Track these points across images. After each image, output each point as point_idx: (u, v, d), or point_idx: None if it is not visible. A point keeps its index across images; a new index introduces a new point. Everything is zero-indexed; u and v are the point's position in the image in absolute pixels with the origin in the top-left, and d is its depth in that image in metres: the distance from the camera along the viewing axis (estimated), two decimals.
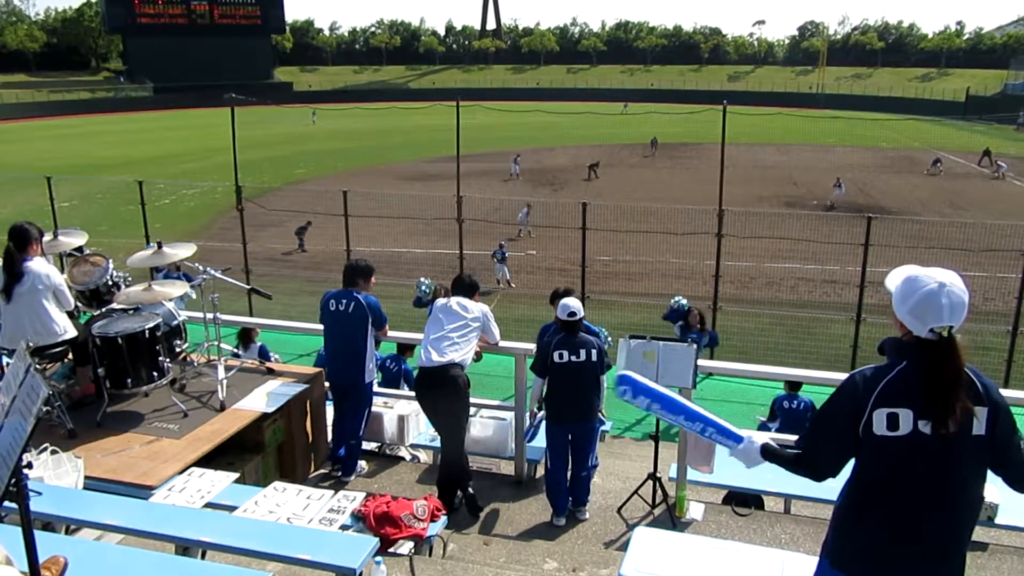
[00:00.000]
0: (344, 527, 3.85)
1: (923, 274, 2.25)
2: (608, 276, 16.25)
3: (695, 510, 5.03)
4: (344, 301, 5.43)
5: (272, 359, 8.14)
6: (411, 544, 3.94)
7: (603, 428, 6.51)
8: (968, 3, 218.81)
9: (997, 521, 4.63)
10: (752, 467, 2.55)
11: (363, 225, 14.45)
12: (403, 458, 6.28)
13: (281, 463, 5.37)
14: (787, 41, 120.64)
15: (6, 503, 2.40)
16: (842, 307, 13.62)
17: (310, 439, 5.63)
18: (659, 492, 5.09)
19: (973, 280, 15.28)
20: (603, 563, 4.38)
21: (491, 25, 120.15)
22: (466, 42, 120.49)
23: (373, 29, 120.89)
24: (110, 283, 5.32)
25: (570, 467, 5.15)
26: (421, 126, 41.52)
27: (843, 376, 2.37)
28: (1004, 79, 76.71)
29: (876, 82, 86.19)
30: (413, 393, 5.68)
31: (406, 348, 7.48)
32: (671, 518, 4.93)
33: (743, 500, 5.27)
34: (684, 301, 9.43)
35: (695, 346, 4.86)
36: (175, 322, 5.35)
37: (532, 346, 5.47)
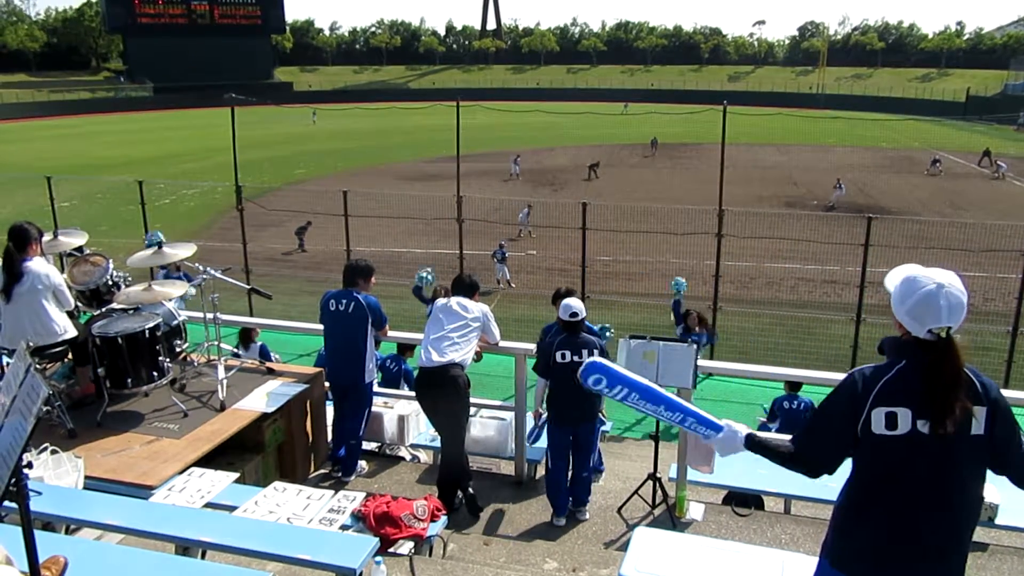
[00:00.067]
0: (344, 527, 3.85)
1: (922, 275, 2.24)
2: (608, 276, 16.25)
3: (695, 510, 5.03)
4: (344, 301, 5.43)
5: (273, 359, 8.15)
6: (411, 544, 3.94)
7: (603, 428, 6.51)
8: (968, 3, 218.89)
9: (997, 521, 4.62)
10: (726, 455, 2.54)
11: (363, 225, 14.47)
12: (403, 458, 6.28)
13: (281, 463, 5.37)
14: (787, 41, 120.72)
15: (6, 503, 2.40)
16: (842, 307, 13.62)
17: (310, 439, 5.63)
18: (659, 492, 5.09)
19: (973, 280, 15.37)
20: (603, 563, 4.38)
21: (491, 25, 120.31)
22: (466, 42, 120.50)
23: (373, 29, 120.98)
24: (110, 283, 5.32)
25: (571, 467, 5.15)
26: (421, 126, 41.53)
27: (843, 376, 2.37)
28: (1004, 79, 76.72)
29: (876, 82, 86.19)
30: (413, 393, 5.69)
31: (406, 348, 7.48)
32: (671, 518, 4.93)
33: (743, 500, 5.26)
34: (683, 282, 9.41)
35: (695, 346, 4.86)
36: (175, 322, 5.35)
37: (532, 346, 5.46)
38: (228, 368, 5.36)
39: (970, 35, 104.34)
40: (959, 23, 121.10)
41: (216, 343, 5.43)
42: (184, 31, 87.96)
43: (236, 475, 4.27)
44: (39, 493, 3.10)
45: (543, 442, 5.66)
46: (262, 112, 47.27)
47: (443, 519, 4.25)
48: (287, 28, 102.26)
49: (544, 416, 5.24)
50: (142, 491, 4.02)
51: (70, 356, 5.31)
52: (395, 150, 41.13)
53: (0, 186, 25.94)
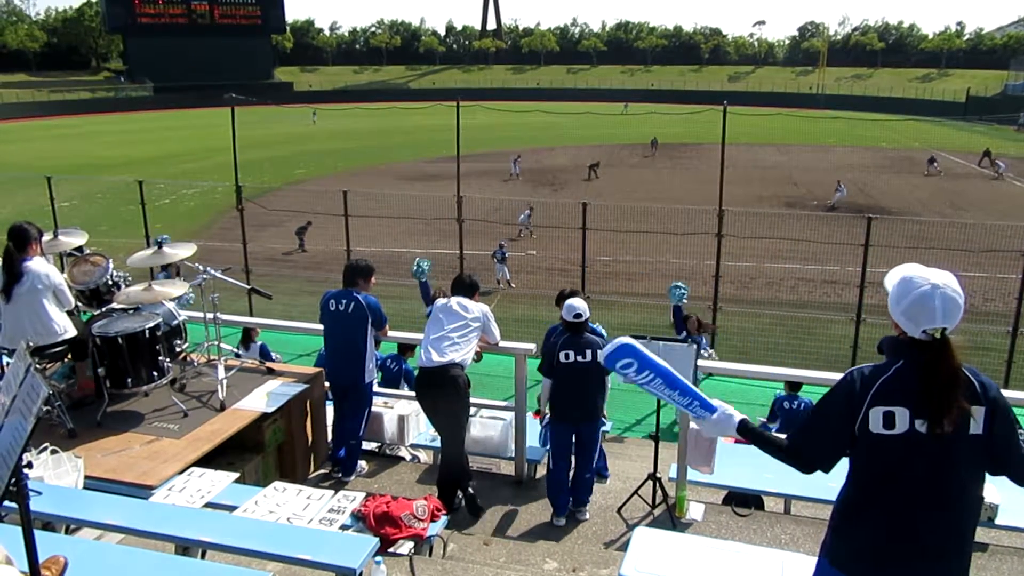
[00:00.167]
0: (344, 527, 3.85)
1: (918, 275, 2.24)
2: (608, 276, 16.25)
3: (695, 510, 5.03)
4: (344, 301, 5.43)
5: (273, 359, 8.15)
6: (411, 544, 3.94)
7: (603, 428, 6.51)
8: (968, 3, 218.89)
9: (997, 522, 4.62)
10: (712, 436, 2.55)
11: (363, 225, 14.47)
12: (403, 458, 6.28)
13: (281, 463, 5.37)
14: (787, 41, 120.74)
15: (6, 503, 2.40)
16: (842, 307, 13.62)
17: (310, 439, 5.63)
18: (659, 492, 5.09)
19: (973, 281, 15.38)
20: (603, 563, 4.38)
21: (491, 25, 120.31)
22: (466, 42, 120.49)
23: (373, 29, 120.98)
24: (110, 283, 5.32)
25: (573, 467, 5.15)
26: (421, 126, 41.52)
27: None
28: (1004, 80, 76.72)
29: (876, 82, 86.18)
30: (413, 393, 5.68)
31: (407, 348, 7.49)
32: (671, 518, 4.93)
33: (743, 500, 5.26)
34: (683, 289, 9.34)
35: (695, 346, 4.86)
36: (175, 322, 5.36)
37: (532, 346, 5.47)
38: (228, 368, 5.36)
39: (970, 35, 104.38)
40: (959, 23, 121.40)
41: (216, 343, 5.43)
42: (184, 31, 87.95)
43: (236, 475, 4.27)
44: (39, 493, 3.10)
45: (539, 440, 5.66)
46: (262, 112, 47.27)
47: (443, 519, 4.25)
48: (287, 28, 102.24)
49: (548, 416, 5.24)
50: (142, 491, 4.02)
51: (70, 356, 5.31)
52: (395, 150, 41.13)
53: (0, 186, 25.94)
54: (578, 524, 5.06)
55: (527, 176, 32.22)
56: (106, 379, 4.85)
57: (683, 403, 2.66)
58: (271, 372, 5.65)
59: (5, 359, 5.02)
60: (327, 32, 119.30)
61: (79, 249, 5.93)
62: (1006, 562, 4.46)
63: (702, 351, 9.08)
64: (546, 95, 75.90)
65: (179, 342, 5.40)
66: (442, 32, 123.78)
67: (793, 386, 7.40)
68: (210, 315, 5.47)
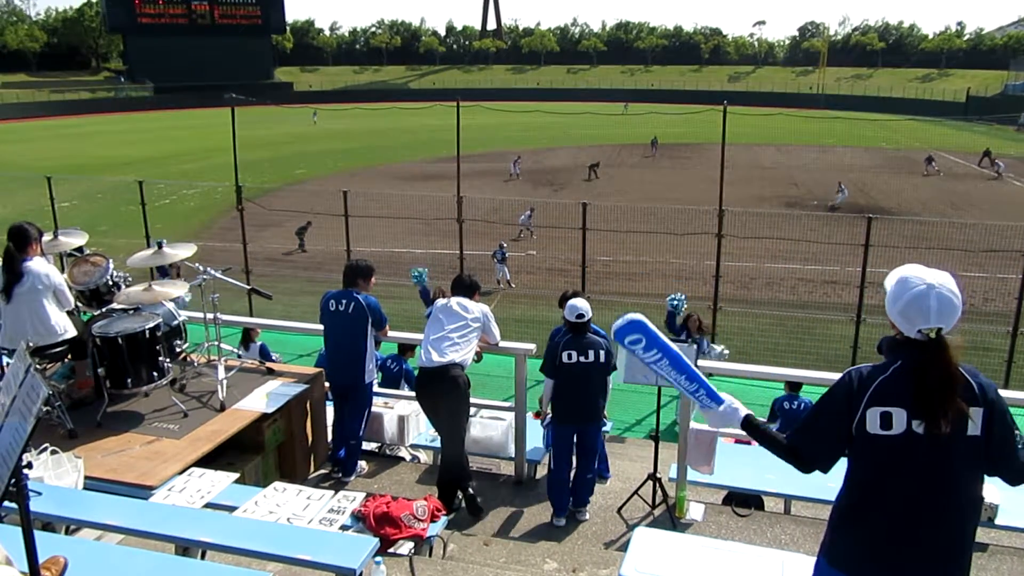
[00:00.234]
0: (344, 527, 3.85)
1: (914, 275, 2.25)
2: (608, 276, 16.25)
3: (695, 510, 5.03)
4: (344, 301, 5.42)
5: (273, 359, 8.15)
6: (411, 544, 3.94)
7: (604, 428, 6.51)
8: (968, 3, 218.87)
9: (997, 522, 4.62)
10: (716, 427, 2.60)
11: (363, 225, 14.46)
12: (403, 458, 6.28)
13: (281, 463, 5.37)
14: (787, 41, 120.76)
15: (6, 503, 2.40)
16: (842, 308, 13.62)
17: (310, 439, 5.63)
18: (659, 492, 5.09)
19: (973, 281, 15.38)
20: (603, 563, 4.38)
21: (491, 25, 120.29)
22: (466, 42, 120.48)
23: (373, 29, 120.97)
24: (110, 283, 5.32)
25: (575, 468, 5.15)
26: (421, 126, 41.54)
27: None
28: (1004, 80, 76.72)
29: (876, 83, 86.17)
30: (413, 393, 5.68)
31: (407, 348, 7.49)
32: (671, 518, 4.93)
33: (743, 501, 5.26)
34: (678, 299, 9.33)
35: (695, 346, 4.87)
36: (175, 322, 5.35)
37: (533, 346, 5.47)
38: (228, 368, 5.36)
39: (970, 35, 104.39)
40: (959, 23, 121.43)
41: (216, 343, 5.43)
42: (184, 31, 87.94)
43: (236, 475, 4.27)
44: (39, 493, 3.10)
45: (543, 442, 5.66)
46: (263, 112, 47.28)
47: (443, 519, 4.25)
48: (287, 28, 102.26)
49: (550, 416, 5.24)
50: (142, 491, 4.02)
51: (70, 356, 5.31)
52: (395, 150, 41.13)
53: (0, 186, 25.94)
54: (578, 524, 5.06)
55: (527, 176, 32.22)
56: (106, 379, 4.85)
57: (690, 389, 2.68)
58: (271, 372, 5.65)
59: (5, 359, 5.02)
60: (327, 32, 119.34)
61: (79, 249, 5.93)
62: (1006, 562, 4.46)
63: (704, 351, 9.10)
64: (546, 95, 75.90)
65: (179, 342, 5.40)
66: (442, 32, 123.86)
67: (793, 386, 7.39)
68: (210, 315, 5.47)
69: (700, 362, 5.07)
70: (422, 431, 6.06)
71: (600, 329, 5.34)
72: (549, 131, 48.94)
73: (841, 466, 2.38)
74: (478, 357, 5.32)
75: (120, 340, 4.78)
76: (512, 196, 25.29)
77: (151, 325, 4.93)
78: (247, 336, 8.68)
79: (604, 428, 6.50)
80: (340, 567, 3.04)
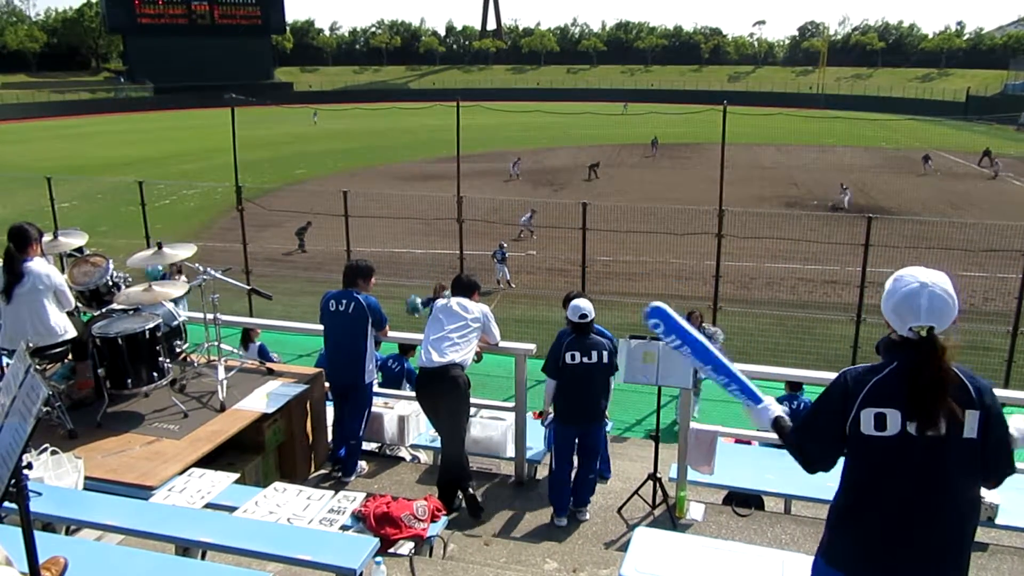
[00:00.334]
0: (344, 527, 3.85)
1: (908, 273, 2.25)
2: (608, 276, 16.25)
3: (695, 510, 5.03)
4: (344, 302, 5.42)
5: (273, 359, 8.15)
6: (411, 544, 3.94)
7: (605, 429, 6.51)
8: (968, 3, 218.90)
9: (997, 521, 4.63)
10: (756, 427, 2.63)
11: (363, 225, 14.46)
12: (403, 458, 6.28)
13: (281, 463, 5.37)
14: (787, 41, 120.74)
15: (6, 503, 2.40)
16: (842, 307, 13.61)
17: (310, 439, 5.63)
18: (659, 492, 5.09)
19: (973, 280, 15.37)
20: (603, 563, 4.38)
21: (491, 25, 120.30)
22: (466, 42, 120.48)
23: (373, 29, 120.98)
24: (110, 283, 5.32)
25: (576, 468, 5.15)
26: (421, 126, 41.55)
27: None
28: (1004, 79, 76.72)
29: (876, 82, 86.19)
30: (413, 393, 5.68)
31: (408, 348, 7.49)
32: (671, 518, 4.93)
33: (743, 500, 5.26)
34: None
35: None
36: (175, 322, 5.35)
37: (533, 346, 5.47)
38: (228, 369, 5.36)
39: (970, 35, 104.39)
40: (959, 23, 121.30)
41: (216, 343, 5.43)
42: (184, 31, 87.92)
43: (236, 475, 4.27)
44: (39, 494, 3.09)
45: (542, 442, 5.66)
46: (263, 112, 47.30)
47: (443, 519, 4.25)
48: (287, 28, 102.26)
49: (551, 416, 5.25)
50: (142, 492, 4.02)
51: (70, 356, 5.31)
52: (395, 150, 41.13)
53: (0, 186, 25.95)
54: (578, 524, 5.06)
55: (527, 176, 32.23)
56: (106, 380, 4.85)
57: (720, 382, 2.72)
58: (271, 372, 5.65)
59: (5, 360, 5.02)
60: (327, 32, 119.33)
61: (79, 250, 5.93)
62: (1006, 562, 4.46)
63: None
64: (546, 95, 75.90)
65: (179, 343, 5.40)
66: (442, 32, 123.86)
67: (793, 386, 7.39)
68: (210, 316, 5.47)
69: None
70: (422, 431, 6.06)
71: (603, 329, 5.34)
72: (549, 131, 48.94)
73: (841, 465, 2.38)
74: (478, 357, 5.32)
75: (120, 340, 4.78)
76: (512, 196, 25.30)
77: (151, 325, 4.93)
78: (246, 336, 8.68)
79: (605, 428, 6.51)
80: (340, 567, 3.04)
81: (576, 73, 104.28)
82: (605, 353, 5.01)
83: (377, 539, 3.36)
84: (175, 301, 5.47)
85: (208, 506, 3.89)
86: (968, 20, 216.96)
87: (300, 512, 3.88)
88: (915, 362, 2.17)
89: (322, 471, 5.69)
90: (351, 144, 44.43)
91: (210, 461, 4.52)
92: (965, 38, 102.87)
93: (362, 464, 5.72)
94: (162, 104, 76.93)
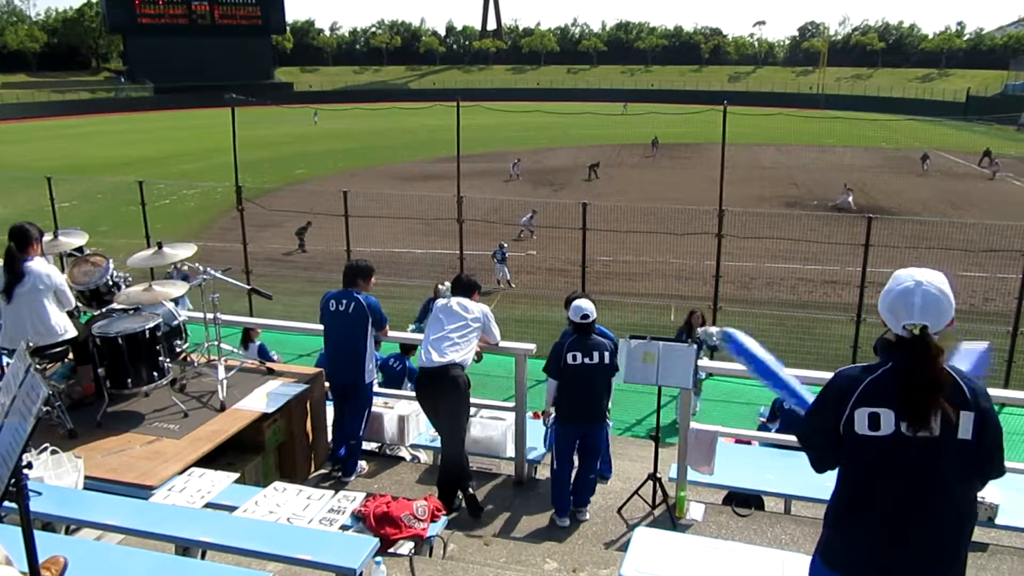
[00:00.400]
0: (344, 527, 3.85)
1: (905, 272, 2.26)
2: (608, 276, 16.25)
3: (695, 510, 5.03)
4: (344, 301, 5.42)
5: (273, 358, 8.15)
6: (411, 544, 3.94)
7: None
8: (968, 3, 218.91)
9: (997, 521, 4.63)
10: None
11: (363, 225, 14.47)
12: (403, 458, 6.28)
13: (281, 463, 5.37)
14: (787, 41, 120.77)
15: (6, 503, 2.40)
16: (842, 307, 13.62)
17: (310, 439, 5.63)
18: (659, 492, 5.09)
19: (973, 280, 15.36)
20: (603, 563, 4.38)
21: (491, 25, 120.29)
22: (466, 42, 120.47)
23: (373, 29, 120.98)
24: (110, 283, 5.32)
25: (577, 468, 5.15)
26: (421, 126, 41.55)
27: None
28: (1004, 79, 76.72)
29: (876, 82, 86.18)
30: (413, 393, 5.68)
31: (410, 347, 7.49)
32: (671, 518, 4.93)
33: (743, 500, 5.26)
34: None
35: (695, 346, 4.86)
36: (175, 322, 5.35)
37: (533, 346, 5.47)
38: (228, 368, 5.36)
39: (970, 35, 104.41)
40: (959, 23, 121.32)
41: (216, 343, 5.44)
42: (184, 31, 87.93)
43: (236, 475, 4.26)
44: (39, 493, 3.10)
45: (542, 442, 5.66)
46: (263, 112, 47.29)
47: (443, 519, 4.25)
48: (287, 28, 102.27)
49: (552, 416, 5.25)
50: (142, 491, 4.02)
51: (70, 356, 5.31)
52: (395, 150, 41.14)
53: (0, 186, 25.95)
54: (578, 524, 5.06)
55: (527, 176, 32.23)
56: (106, 379, 4.86)
57: (780, 395, 2.96)
58: (271, 372, 5.65)
59: (5, 359, 5.02)
60: (327, 32, 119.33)
61: (79, 249, 5.93)
62: (1006, 562, 4.46)
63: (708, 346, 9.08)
64: (546, 95, 75.89)
65: (179, 342, 5.40)
66: (442, 32, 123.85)
67: None
68: (210, 315, 5.47)
69: (700, 362, 5.08)
70: (422, 431, 6.06)
71: (605, 330, 5.34)
72: (549, 131, 48.94)
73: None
74: (478, 357, 5.31)
75: (120, 340, 4.78)
76: (512, 196, 25.30)
77: (151, 325, 4.93)
78: (246, 336, 8.68)
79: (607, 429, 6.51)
80: (340, 567, 3.04)
81: (576, 73, 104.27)
82: (607, 354, 5.02)
83: (377, 539, 3.36)
84: (176, 301, 5.48)
85: (208, 506, 3.89)
86: (968, 20, 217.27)
87: (300, 512, 3.88)
88: (908, 362, 2.16)
89: (322, 471, 5.68)
90: (351, 144, 44.43)
91: (210, 461, 4.52)
92: (965, 38, 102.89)
93: (362, 464, 5.72)
94: (162, 104, 76.93)
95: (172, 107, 74.80)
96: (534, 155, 38.51)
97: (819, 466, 2.39)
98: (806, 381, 2.82)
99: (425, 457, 6.36)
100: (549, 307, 13.30)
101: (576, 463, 5.16)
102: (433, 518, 4.12)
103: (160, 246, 5.43)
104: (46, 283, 4.91)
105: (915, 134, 48.90)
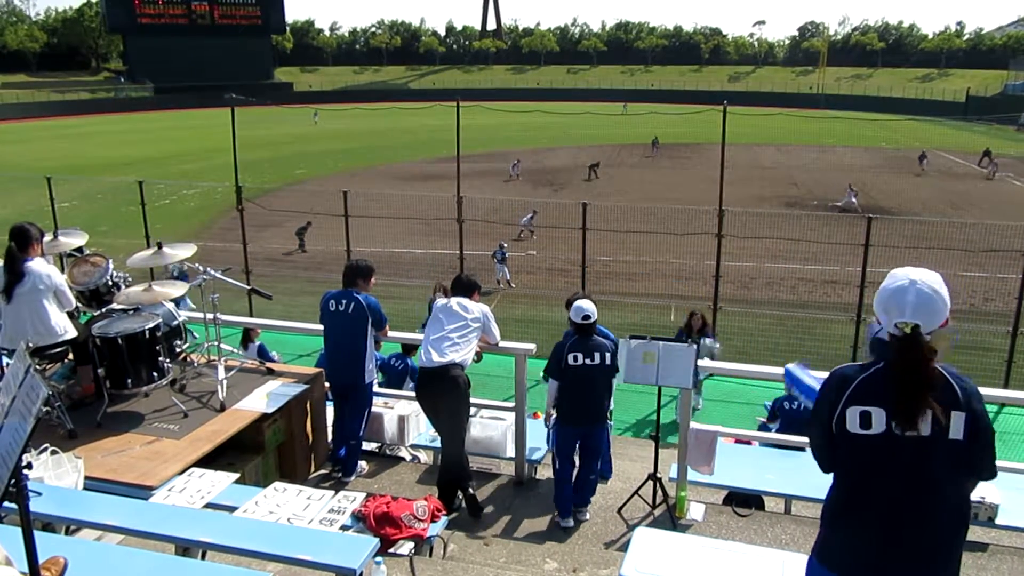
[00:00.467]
0: (344, 527, 3.85)
1: (901, 271, 2.26)
2: (608, 276, 16.26)
3: (695, 511, 5.03)
4: (344, 301, 5.42)
5: (274, 359, 8.15)
6: (411, 544, 3.94)
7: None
8: (968, 3, 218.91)
9: (997, 521, 4.62)
10: None
11: (363, 225, 14.47)
12: (403, 458, 6.28)
13: (281, 463, 5.37)
14: (787, 41, 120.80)
15: (6, 503, 2.40)
16: (842, 307, 13.62)
17: (310, 439, 5.63)
18: (659, 492, 5.09)
19: (973, 280, 15.36)
20: (603, 563, 4.38)
21: (491, 25, 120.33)
22: (466, 42, 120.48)
23: (373, 29, 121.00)
24: (110, 283, 5.32)
25: (578, 468, 5.15)
26: (421, 126, 41.56)
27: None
28: (1004, 79, 76.73)
29: (876, 82, 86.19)
30: (413, 393, 5.68)
31: (411, 347, 7.49)
32: (671, 519, 4.92)
33: (743, 500, 5.26)
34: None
35: (695, 346, 4.86)
36: (175, 322, 5.35)
37: (533, 346, 5.47)
38: (228, 368, 5.36)
39: (970, 35, 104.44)
40: (959, 23, 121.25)
41: (216, 343, 5.43)
42: (184, 31, 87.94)
43: (236, 475, 4.26)
44: (39, 494, 3.10)
45: (541, 442, 5.66)
46: (263, 112, 47.32)
47: (443, 519, 4.25)
48: (287, 28, 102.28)
49: (554, 417, 5.25)
50: (142, 491, 4.02)
51: (70, 356, 5.31)
52: (395, 150, 41.14)
53: (0, 186, 25.94)
54: (579, 524, 5.05)
55: (527, 176, 32.24)
56: (106, 380, 4.85)
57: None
58: (271, 372, 5.65)
59: (5, 359, 5.02)
60: (327, 32, 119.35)
61: (79, 250, 5.93)
62: (1006, 562, 4.45)
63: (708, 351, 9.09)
64: (546, 95, 75.90)
65: (179, 342, 5.39)
66: (442, 32, 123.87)
67: None
68: (210, 315, 5.47)
69: (700, 362, 5.08)
70: (422, 431, 6.05)
71: (606, 331, 5.33)
72: (549, 131, 48.94)
73: None
74: (478, 357, 5.31)
75: (120, 340, 4.77)
76: (512, 196, 25.30)
77: (151, 325, 4.93)
78: (247, 336, 8.68)
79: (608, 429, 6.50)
80: (340, 567, 3.04)
81: (576, 73, 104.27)
82: (608, 355, 5.02)
83: (377, 539, 3.36)
84: (177, 302, 5.48)
85: (208, 506, 3.89)
86: (968, 20, 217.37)
87: (300, 512, 3.88)
88: (899, 361, 2.17)
89: (322, 471, 5.68)
90: (351, 144, 44.43)
91: (210, 461, 4.52)
92: (965, 38, 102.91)
93: (362, 464, 5.72)
94: (162, 104, 76.95)
95: (172, 107, 74.82)
96: (534, 155, 38.51)
97: (824, 465, 2.39)
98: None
99: (425, 457, 6.36)
100: (549, 307, 13.31)
101: (577, 464, 5.16)
102: (433, 518, 4.12)
103: (160, 246, 5.43)
104: (46, 283, 4.91)
105: (915, 134, 48.90)
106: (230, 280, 5.62)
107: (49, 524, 3.55)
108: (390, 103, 51.77)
